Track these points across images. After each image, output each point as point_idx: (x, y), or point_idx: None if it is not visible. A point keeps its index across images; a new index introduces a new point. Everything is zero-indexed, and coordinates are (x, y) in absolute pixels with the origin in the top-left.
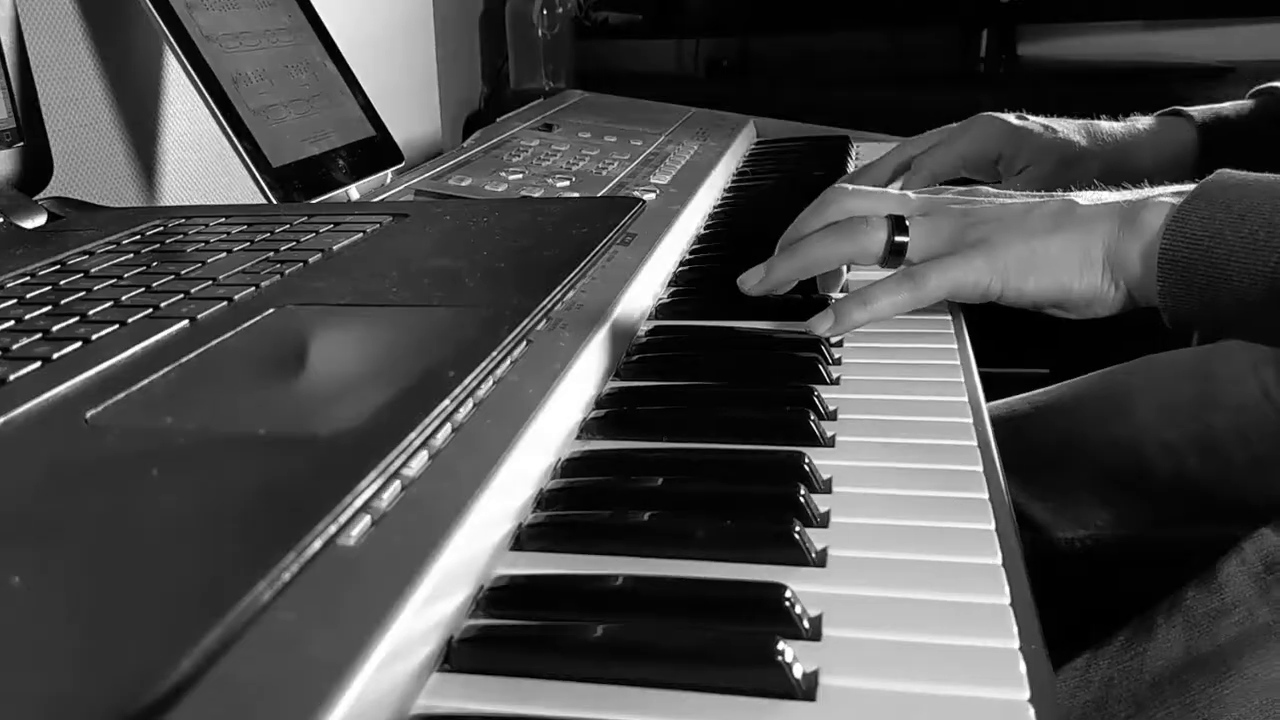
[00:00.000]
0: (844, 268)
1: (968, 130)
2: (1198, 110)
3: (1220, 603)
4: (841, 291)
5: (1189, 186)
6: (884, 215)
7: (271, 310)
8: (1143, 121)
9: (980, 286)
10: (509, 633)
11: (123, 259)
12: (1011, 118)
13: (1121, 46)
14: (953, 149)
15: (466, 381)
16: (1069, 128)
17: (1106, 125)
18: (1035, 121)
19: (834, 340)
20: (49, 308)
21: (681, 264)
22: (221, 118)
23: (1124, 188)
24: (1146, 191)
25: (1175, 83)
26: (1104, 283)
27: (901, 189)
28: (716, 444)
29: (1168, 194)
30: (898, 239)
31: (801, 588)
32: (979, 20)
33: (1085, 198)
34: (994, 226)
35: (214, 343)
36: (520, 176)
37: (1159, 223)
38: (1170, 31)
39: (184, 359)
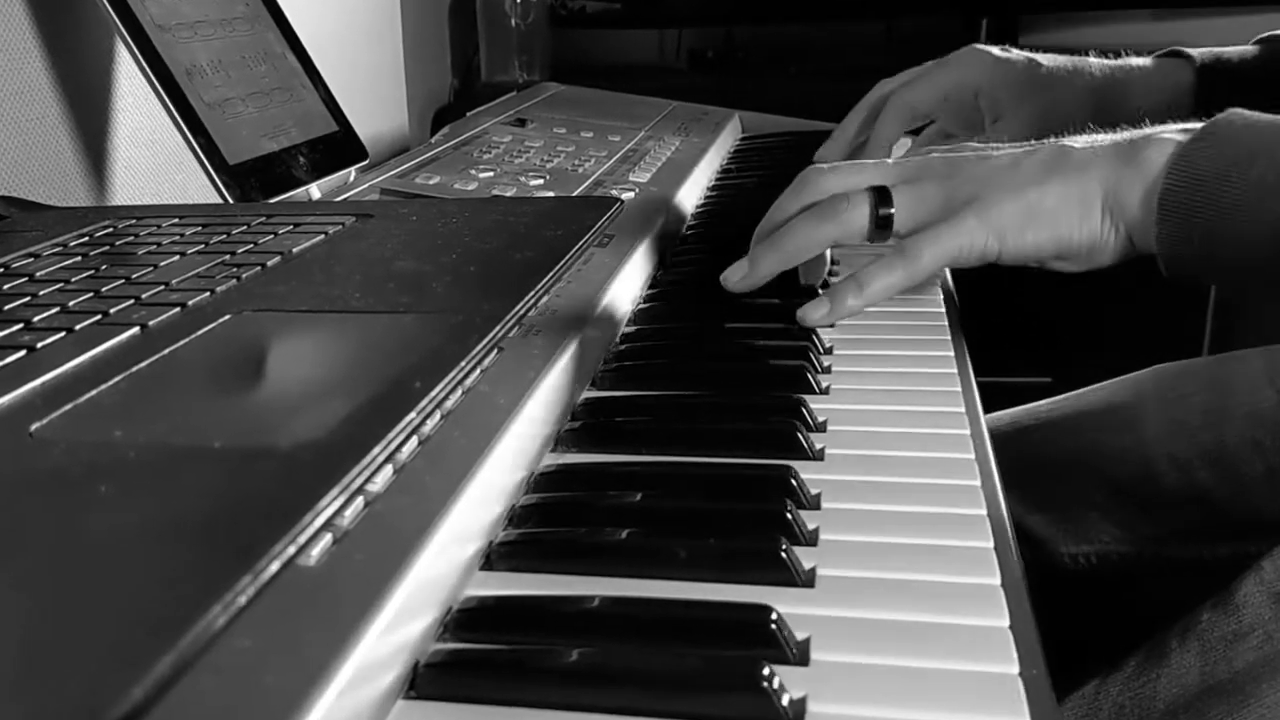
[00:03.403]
0: (828, 255)
1: (949, 64)
2: (1198, 51)
3: (1237, 625)
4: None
5: (1196, 125)
6: (864, 188)
7: (227, 316)
8: (1137, 60)
9: (977, 249)
10: (478, 657)
11: (70, 262)
12: (996, 50)
13: (1128, 37)
14: (934, 82)
15: (434, 392)
16: (1057, 63)
17: (1097, 61)
18: (1020, 55)
19: (824, 346)
20: None
21: (662, 266)
22: (174, 112)
23: (1121, 128)
24: (1149, 129)
25: None
26: (1104, 228)
27: (879, 129)
28: (698, 457)
29: (1173, 131)
30: (882, 211)
31: (788, 609)
32: (979, 9)
33: (1080, 141)
34: (983, 183)
35: (166, 351)
36: (491, 174)
37: (1162, 161)
38: (1178, 21)
39: (135, 368)
